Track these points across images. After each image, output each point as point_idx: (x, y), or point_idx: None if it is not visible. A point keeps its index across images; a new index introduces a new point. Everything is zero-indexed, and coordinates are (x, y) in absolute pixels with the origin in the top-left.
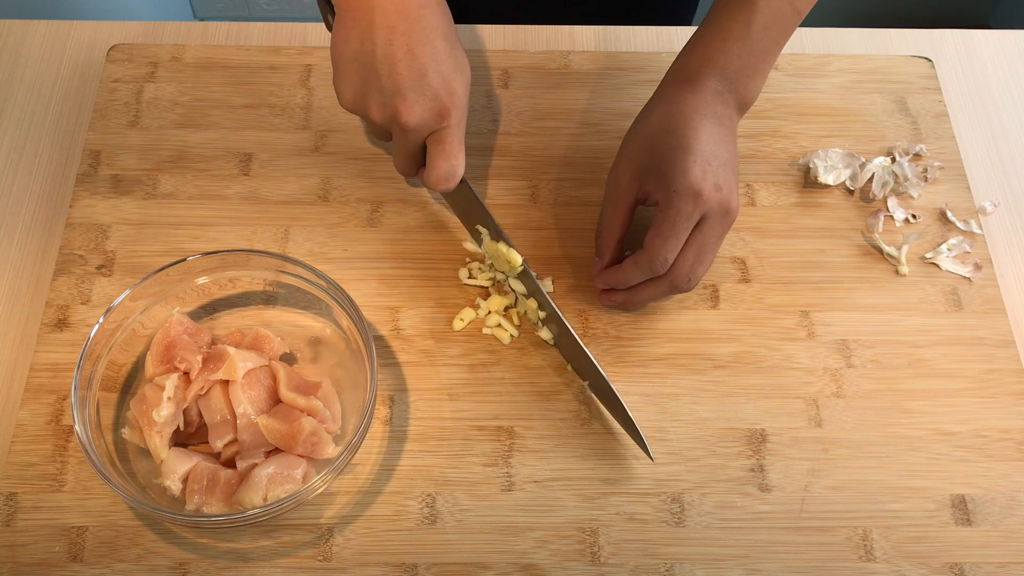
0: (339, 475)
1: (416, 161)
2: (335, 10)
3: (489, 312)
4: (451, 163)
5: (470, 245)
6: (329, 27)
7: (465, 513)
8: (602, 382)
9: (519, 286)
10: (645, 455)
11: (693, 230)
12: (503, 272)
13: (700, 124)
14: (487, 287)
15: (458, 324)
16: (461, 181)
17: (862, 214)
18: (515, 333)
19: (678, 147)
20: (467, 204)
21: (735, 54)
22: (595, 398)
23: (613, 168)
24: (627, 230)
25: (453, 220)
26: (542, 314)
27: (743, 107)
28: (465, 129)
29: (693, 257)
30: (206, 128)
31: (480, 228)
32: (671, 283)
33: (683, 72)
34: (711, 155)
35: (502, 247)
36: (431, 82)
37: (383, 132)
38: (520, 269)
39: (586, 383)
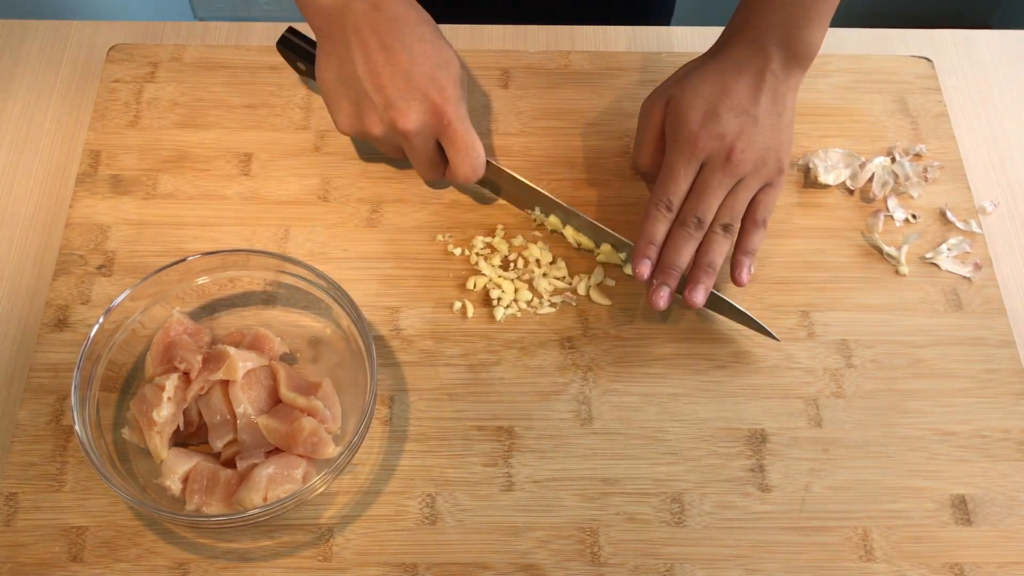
0: (339, 475)
1: (437, 164)
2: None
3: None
4: (472, 156)
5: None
6: (300, 73)
7: (465, 513)
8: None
9: (587, 240)
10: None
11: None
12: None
13: (727, 79)
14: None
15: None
16: (489, 164)
17: (862, 214)
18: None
19: (693, 95)
20: (507, 183)
21: (777, 6)
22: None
23: (649, 96)
24: (658, 150)
25: (454, 219)
26: (622, 255)
27: (798, 59)
28: (468, 118)
29: (696, 198)
30: (206, 128)
31: (536, 210)
32: (682, 224)
33: (727, 31)
34: (726, 107)
35: (569, 230)
36: (418, 85)
37: (392, 148)
38: (598, 251)
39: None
